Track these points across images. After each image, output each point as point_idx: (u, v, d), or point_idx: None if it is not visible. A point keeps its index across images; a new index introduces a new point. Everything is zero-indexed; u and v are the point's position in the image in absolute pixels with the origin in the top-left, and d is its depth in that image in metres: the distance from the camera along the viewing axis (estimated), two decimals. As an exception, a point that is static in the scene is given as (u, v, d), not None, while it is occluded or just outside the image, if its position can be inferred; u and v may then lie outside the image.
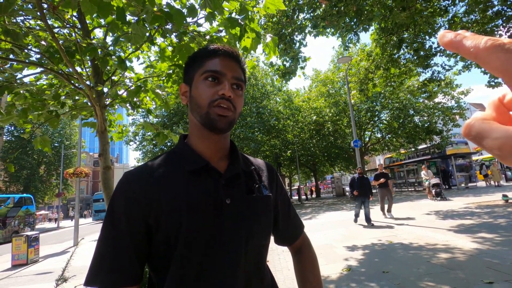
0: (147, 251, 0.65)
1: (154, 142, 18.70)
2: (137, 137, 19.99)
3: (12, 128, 27.18)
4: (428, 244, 5.18)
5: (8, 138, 27.95)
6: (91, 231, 17.69)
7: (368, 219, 8.05)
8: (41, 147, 2.71)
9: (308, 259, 0.90)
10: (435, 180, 12.80)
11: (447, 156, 20.06)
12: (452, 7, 7.69)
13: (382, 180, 8.96)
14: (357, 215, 8.51)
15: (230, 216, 0.67)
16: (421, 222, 7.57)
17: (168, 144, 18.25)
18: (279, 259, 5.24)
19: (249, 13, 2.27)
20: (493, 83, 8.29)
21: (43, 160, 29.96)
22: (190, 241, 0.63)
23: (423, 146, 23.46)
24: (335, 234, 7.11)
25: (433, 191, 12.59)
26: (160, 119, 19.26)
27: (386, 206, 9.22)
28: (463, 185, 19.63)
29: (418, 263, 4.19)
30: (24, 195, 17.77)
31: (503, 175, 20.69)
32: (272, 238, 0.84)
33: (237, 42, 2.38)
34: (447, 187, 19.15)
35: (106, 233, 0.64)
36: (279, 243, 0.91)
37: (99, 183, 46.90)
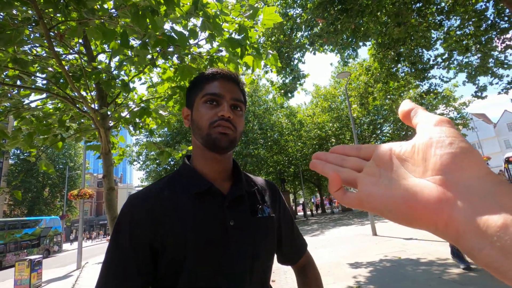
0: (152, 274, 0.65)
1: (157, 161, 18.74)
2: (140, 157, 20.08)
3: (18, 151, 27.51)
4: (438, 259, 5.04)
5: (13, 161, 28.21)
6: (94, 253, 17.44)
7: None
8: (46, 169, 2.75)
9: (312, 278, 0.89)
10: None
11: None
12: (446, 21, 7.87)
13: None
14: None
15: (235, 238, 0.67)
16: (430, 236, 7.39)
17: (172, 163, 18.30)
18: (286, 278, 5.11)
19: (248, 32, 2.35)
20: (479, 94, 8.36)
21: (48, 182, 30.05)
22: (195, 265, 0.63)
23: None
24: (343, 251, 6.95)
25: None
26: (163, 139, 19.42)
27: None
28: None
29: (428, 279, 4.06)
30: (53, 217, 20.57)
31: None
32: (275, 257, 0.84)
33: (238, 60, 2.44)
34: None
35: (110, 256, 0.64)
36: (282, 263, 0.90)
37: (103, 204, 46.69)
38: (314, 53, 7.36)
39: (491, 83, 8.14)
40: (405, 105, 0.29)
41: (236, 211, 0.71)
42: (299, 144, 23.21)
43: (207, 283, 0.64)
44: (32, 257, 8.31)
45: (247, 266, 0.68)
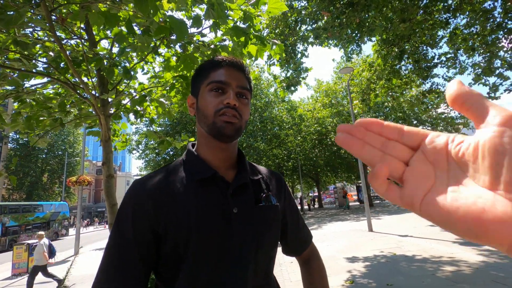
0: (154, 261, 0.65)
1: (156, 151, 18.73)
2: (140, 146, 20.05)
3: (17, 136, 27.44)
4: (432, 257, 5.09)
5: (12, 146, 28.17)
6: (92, 240, 17.59)
7: None
8: (41, 145, 2.75)
9: (316, 270, 0.88)
10: None
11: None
12: (453, 19, 7.78)
13: None
14: None
15: (238, 226, 0.67)
16: (425, 234, 7.46)
17: (171, 153, 18.30)
18: (281, 270, 5.17)
19: (253, 21, 2.31)
20: (492, 95, 8.29)
21: (47, 168, 30.08)
22: (199, 252, 0.63)
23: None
24: (338, 245, 7.01)
25: None
26: (163, 128, 19.36)
27: None
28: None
29: (422, 276, 4.11)
30: (62, 202, 22.30)
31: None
32: (279, 248, 0.83)
33: (242, 49, 2.41)
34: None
35: (113, 241, 0.64)
36: (287, 253, 0.90)
37: (101, 191, 46.87)
38: (320, 45, 7.28)
39: (498, 85, 8.09)
40: (457, 88, 0.23)
41: (240, 199, 0.70)
42: (299, 138, 23.19)
43: (210, 269, 0.64)
44: (30, 241, 8.38)
45: (251, 254, 0.67)
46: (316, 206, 33.67)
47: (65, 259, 9.93)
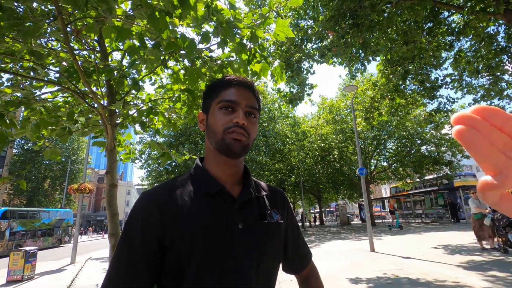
0: (159, 272, 0.67)
1: (159, 161, 18.77)
2: (143, 156, 20.11)
3: (22, 141, 27.71)
4: (436, 281, 4.95)
5: (17, 152, 28.41)
6: (89, 249, 17.38)
7: None
8: (52, 159, 2.78)
9: None
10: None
11: (455, 188, 19.66)
12: (456, 42, 7.91)
13: None
14: None
15: (242, 241, 0.68)
16: (429, 256, 7.28)
17: (173, 164, 18.31)
18: (291, 282, 5.05)
19: (259, 40, 2.38)
20: None
21: (49, 174, 30.17)
22: (202, 264, 0.64)
23: (430, 176, 23.08)
24: (339, 264, 6.86)
25: (499, 235, 7.20)
26: (167, 139, 19.47)
27: None
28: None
29: (425, 300, 3.99)
30: (67, 209, 22.74)
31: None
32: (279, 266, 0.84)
33: (247, 67, 2.47)
34: (455, 220, 18.58)
35: (121, 251, 0.66)
36: (287, 271, 0.90)
37: (102, 200, 46.63)
38: (324, 63, 7.40)
39: (502, 107, 8.11)
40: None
41: (245, 214, 0.72)
42: (302, 154, 23.16)
43: (213, 280, 0.64)
44: (27, 248, 8.30)
45: (253, 269, 0.68)
46: (317, 223, 33.15)
47: (60, 268, 9.79)
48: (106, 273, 0.65)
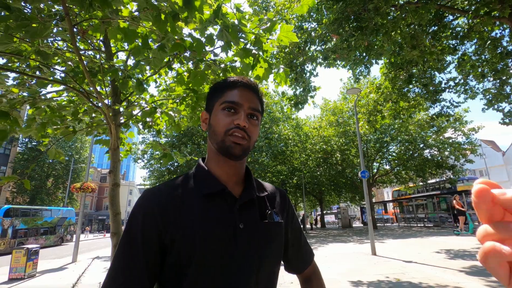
0: (159, 271, 0.67)
1: (161, 161, 18.82)
2: (145, 155, 20.19)
3: (26, 140, 27.90)
4: (438, 285, 4.92)
5: (20, 150, 28.60)
6: (90, 248, 17.44)
7: None
8: (56, 158, 2.79)
9: None
10: None
11: (457, 192, 19.53)
12: (461, 46, 7.87)
13: None
14: None
15: (243, 241, 0.69)
16: (431, 261, 7.24)
17: (175, 164, 18.36)
18: (292, 284, 5.04)
19: (263, 45, 2.40)
20: (507, 121, 8.22)
21: (52, 173, 30.34)
22: (202, 264, 0.64)
23: (432, 180, 22.95)
24: (341, 268, 6.84)
25: None
26: (169, 139, 19.53)
27: None
28: (476, 223, 18.90)
29: (427, 305, 3.96)
30: (69, 208, 22.90)
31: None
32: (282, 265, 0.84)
33: (250, 72, 2.49)
34: (458, 224, 18.45)
35: (122, 248, 0.66)
36: (288, 271, 0.91)
37: (104, 199, 46.76)
38: (329, 67, 7.40)
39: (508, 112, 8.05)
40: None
41: (246, 214, 0.72)
42: (304, 156, 23.12)
43: (213, 280, 0.65)
44: (29, 246, 8.35)
45: (254, 270, 0.69)
46: (319, 225, 33.04)
47: (62, 266, 9.83)
48: (107, 273, 0.65)
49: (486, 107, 8.55)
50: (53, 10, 2.38)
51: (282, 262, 0.84)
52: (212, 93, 0.81)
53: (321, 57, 7.17)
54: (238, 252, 0.68)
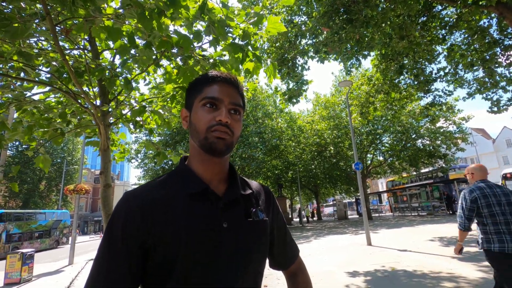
0: (142, 273, 0.66)
1: (155, 160, 18.69)
2: (139, 155, 20.04)
3: (17, 143, 27.39)
4: (432, 272, 5.02)
5: (11, 153, 28.09)
6: (87, 249, 17.33)
7: None
8: (42, 167, 2.74)
9: (302, 284, 0.89)
10: None
11: (450, 180, 19.87)
12: (449, 35, 7.94)
13: None
14: None
15: (228, 240, 0.68)
16: (425, 249, 7.37)
17: (170, 162, 18.25)
18: (278, 284, 5.08)
19: (252, 39, 2.37)
20: (495, 109, 8.36)
21: (44, 175, 29.92)
22: (187, 265, 0.63)
23: (425, 170, 23.29)
24: (336, 259, 6.92)
25: None
26: (162, 138, 19.40)
27: None
28: None
29: (421, 292, 4.04)
30: (64, 210, 22.77)
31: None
32: (267, 262, 0.84)
33: (239, 65, 2.46)
34: (451, 212, 18.80)
35: (103, 252, 0.65)
36: (273, 267, 0.91)
37: (99, 200, 46.35)
38: (322, 62, 7.38)
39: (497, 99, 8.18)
40: None
41: (230, 213, 0.71)
42: (298, 150, 23.22)
43: (198, 281, 0.64)
44: (24, 250, 8.24)
45: (239, 268, 0.68)
46: (315, 218, 33.36)
47: (58, 269, 9.75)
48: (88, 275, 0.64)
49: (467, 95, 8.72)
50: (35, 9, 2.32)
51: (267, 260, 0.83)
52: (191, 90, 0.79)
53: (312, 50, 7.15)
54: (223, 251, 0.67)
